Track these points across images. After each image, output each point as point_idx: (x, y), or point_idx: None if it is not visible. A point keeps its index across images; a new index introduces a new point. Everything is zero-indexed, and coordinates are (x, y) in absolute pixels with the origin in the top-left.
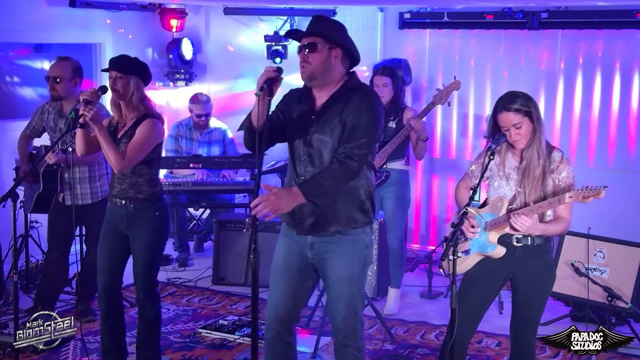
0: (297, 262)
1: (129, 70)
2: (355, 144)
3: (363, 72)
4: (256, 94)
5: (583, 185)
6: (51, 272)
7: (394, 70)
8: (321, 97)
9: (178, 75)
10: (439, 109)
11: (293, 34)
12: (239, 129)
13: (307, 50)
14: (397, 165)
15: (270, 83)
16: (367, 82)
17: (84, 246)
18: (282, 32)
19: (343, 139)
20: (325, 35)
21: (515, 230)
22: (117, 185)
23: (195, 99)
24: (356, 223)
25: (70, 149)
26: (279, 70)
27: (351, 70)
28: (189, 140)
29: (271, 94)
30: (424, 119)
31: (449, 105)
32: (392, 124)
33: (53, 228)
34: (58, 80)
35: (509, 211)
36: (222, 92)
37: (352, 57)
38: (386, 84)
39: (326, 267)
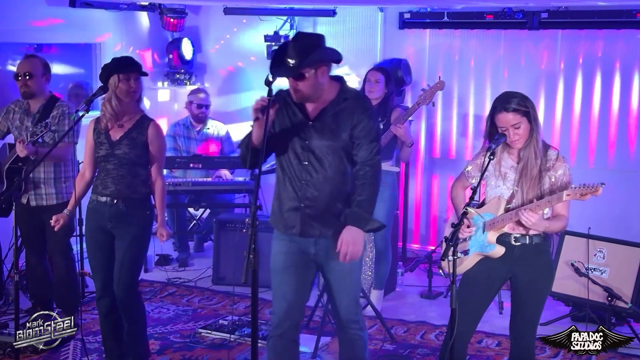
0: (300, 258)
1: (141, 71)
2: (370, 152)
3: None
4: (251, 126)
5: (580, 183)
6: (34, 277)
7: (390, 72)
8: (312, 105)
9: (178, 75)
10: (438, 109)
11: (280, 73)
12: (239, 147)
13: (296, 80)
14: (383, 166)
15: (265, 111)
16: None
17: (81, 251)
18: (282, 32)
19: (356, 148)
20: (310, 63)
21: (520, 225)
22: (112, 185)
23: (196, 91)
24: None
25: (40, 140)
26: (272, 98)
27: (337, 75)
28: (186, 139)
29: (267, 117)
30: (411, 118)
31: (433, 105)
32: (380, 125)
33: (24, 233)
34: (30, 76)
35: (507, 210)
36: (221, 92)
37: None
38: (379, 80)
39: (330, 261)
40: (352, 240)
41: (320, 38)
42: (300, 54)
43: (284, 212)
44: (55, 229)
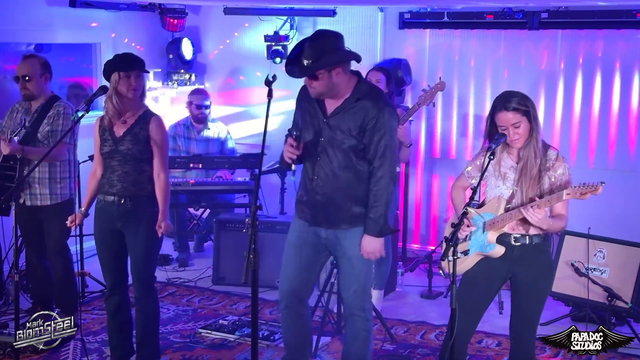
0: (311, 238)
1: (142, 68)
2: (381, 153)
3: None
4: (292, 178)
5: (580, 182)
6: (34, 277)
7: (390, 72)
8: (330, 101)
9: (178, 75)
10: (438, 109)
11: (294, 72)
12: (280, 167)
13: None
14: None
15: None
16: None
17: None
18: (282, 32)
19: (367, 149)
20: (323, 65)
21: (520, 225)
22: (118, 183)
23: (196, 91)
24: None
25: (17, 139)
26: (297, 139)
27: (357, 71)
28: (186, 140)
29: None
30: (411, 119)
31: (433, 106)
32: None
33: (23, 232)
34: (28, 78)
35: (507, 210)
36: (221, 92)
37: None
38: (379, 80)
39: (339, 246)
40: (373, 249)
41: (337, 39)
42: (315, 55)
43: (301, 203)
44: (73, 228)
